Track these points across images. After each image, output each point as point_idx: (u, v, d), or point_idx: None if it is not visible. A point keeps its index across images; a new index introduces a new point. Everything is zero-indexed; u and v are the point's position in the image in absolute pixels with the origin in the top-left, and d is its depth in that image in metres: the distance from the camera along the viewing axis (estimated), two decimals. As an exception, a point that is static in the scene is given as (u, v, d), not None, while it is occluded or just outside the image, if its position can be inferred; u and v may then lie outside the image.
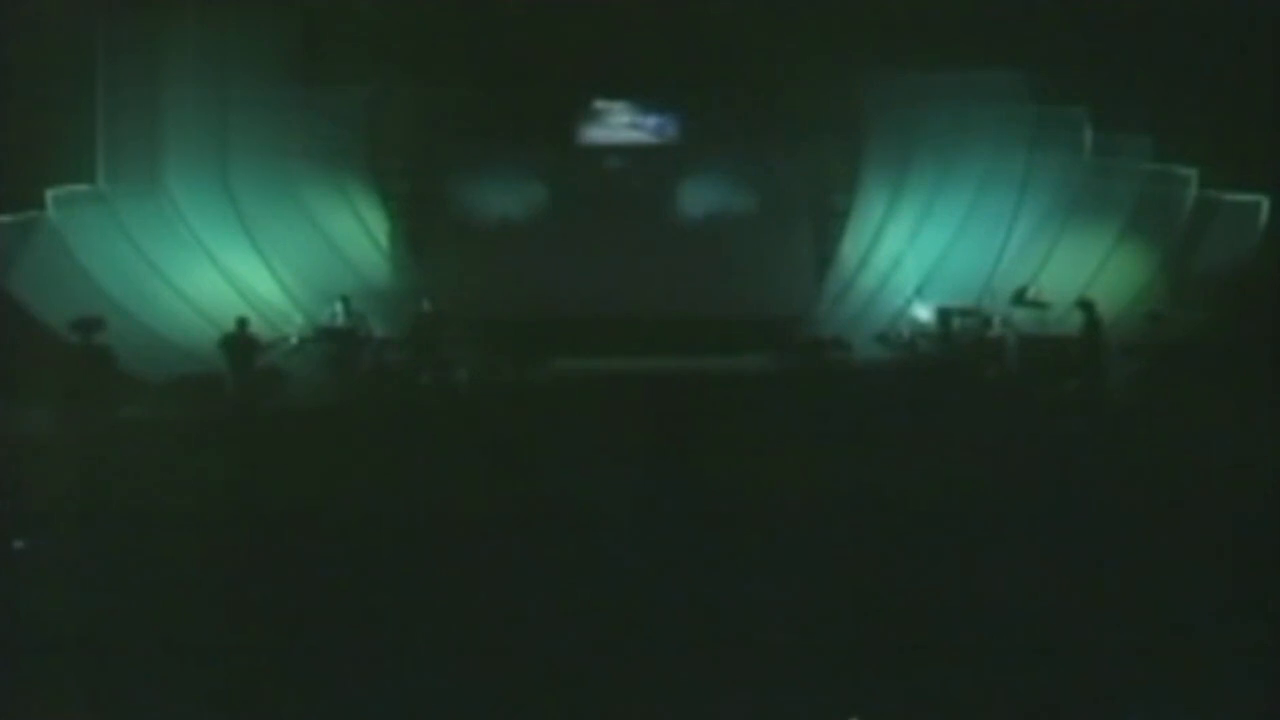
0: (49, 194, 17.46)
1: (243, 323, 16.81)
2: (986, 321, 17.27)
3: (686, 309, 19.90)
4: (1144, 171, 18.86)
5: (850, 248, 20.69)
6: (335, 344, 17.70)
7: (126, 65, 18.18)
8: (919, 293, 19.20)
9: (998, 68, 19.20)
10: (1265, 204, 17.45)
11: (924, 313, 18.21)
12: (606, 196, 20.89)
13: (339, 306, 17.94)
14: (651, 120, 21.11)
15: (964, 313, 17.67)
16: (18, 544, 10.42)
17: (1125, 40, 17.87)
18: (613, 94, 20.93)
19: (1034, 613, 9.24)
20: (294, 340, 17.66)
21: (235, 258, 19.02)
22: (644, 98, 20.95)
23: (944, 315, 17.81)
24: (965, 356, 16.93)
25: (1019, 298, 17.81)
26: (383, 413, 16.45)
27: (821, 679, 8.39)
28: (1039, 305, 17.71)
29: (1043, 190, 19.48)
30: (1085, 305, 17.01)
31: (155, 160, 18.64)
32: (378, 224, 20.95)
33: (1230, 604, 9.24)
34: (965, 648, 8.78)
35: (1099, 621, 9.12)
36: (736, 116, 20.42)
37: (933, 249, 19.99)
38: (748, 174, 20.98)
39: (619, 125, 21.15)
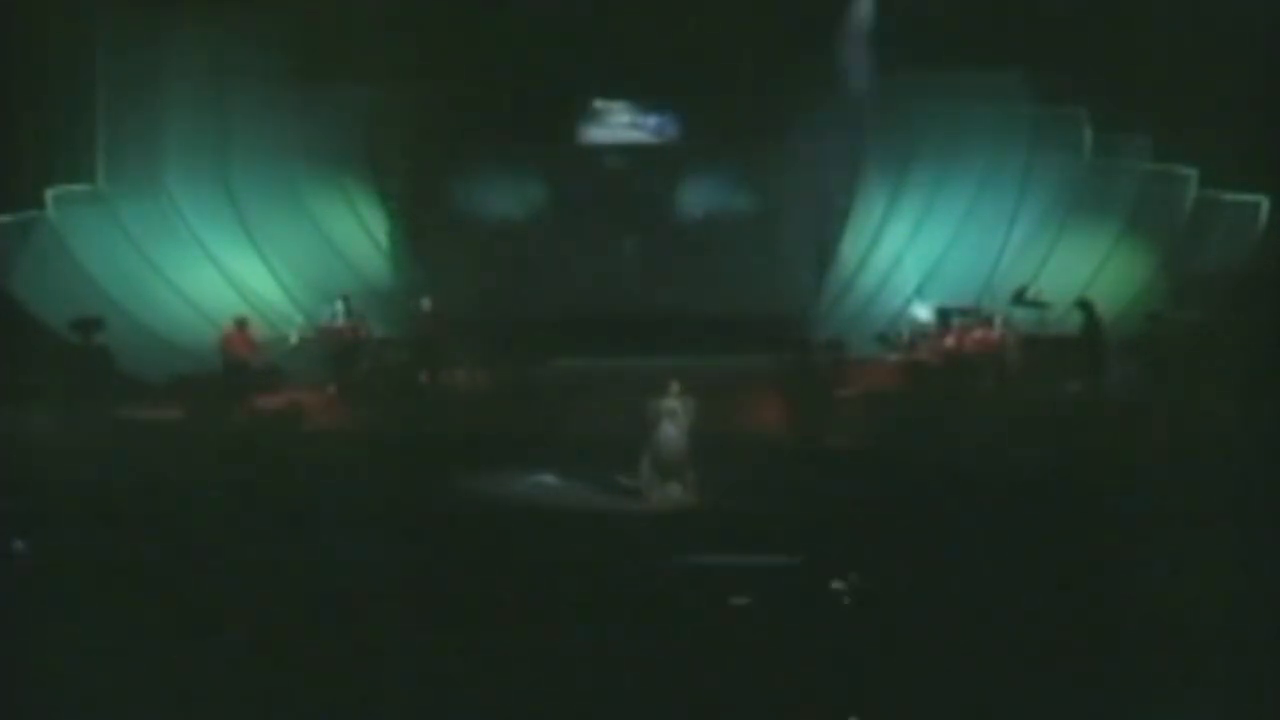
0: (49, 194, 17.45)
1: (241, 322, 16.79)
2: (987, 321, 17.25)
3: (686, 309, 19.87)
4: (1144, 171, 18.84)
5: (850, 248, 20.66)
6: (335, 344, 17.69)
7: (126, 65, 18.17)
8: (919, 293, 19.17)
9: (998, 68, 19.17)
10: (1265, 204, 17.43)
11: (924, 313, 18.18)
12: (606, 196, 20.86)
13: (339, 306, 17.91)
14: (651, 120, 21.07)
15: (964, 312, 17.63)
16: (17, 544, 10.42)
17: (1125, 40, 17.88)
18: (613, 94, 20.90)
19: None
20: (294, 340, 17.66)
21: (235, 258, 19.00)
22: (644, 98, 20.92)
23: (944, 315, 17.78)
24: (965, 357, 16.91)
25: (1019, 298, 17.79)
26: (380, 411, 16.46)
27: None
28: (1039, 305, 17.69)
29: (1043, 190, 19.46)
30: (1085, 305, 17.00)
31: (155, 160, 18.63)
32: (378, 224, 20.92)
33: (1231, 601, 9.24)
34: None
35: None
36: (736, 116, 20.38)
37: (932, 249, 19.96)
38: (748, 174, 20.95)
39: (619, 125, 21.11)
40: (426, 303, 18.51)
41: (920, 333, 17.72)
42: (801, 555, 10.55)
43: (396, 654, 8.77)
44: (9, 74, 16.28)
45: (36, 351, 15.64)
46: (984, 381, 16.59)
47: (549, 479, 13.61)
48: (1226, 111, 16.93)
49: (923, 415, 15.22)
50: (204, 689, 8.34)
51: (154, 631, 9.07)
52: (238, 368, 16.44)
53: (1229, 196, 17.78)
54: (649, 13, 19.43)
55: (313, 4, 19.23)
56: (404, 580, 10.06)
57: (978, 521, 11.51)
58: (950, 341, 17.07)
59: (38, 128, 16.87)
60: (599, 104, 20.95)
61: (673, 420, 12.80)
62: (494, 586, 9.87)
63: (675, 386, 12.92)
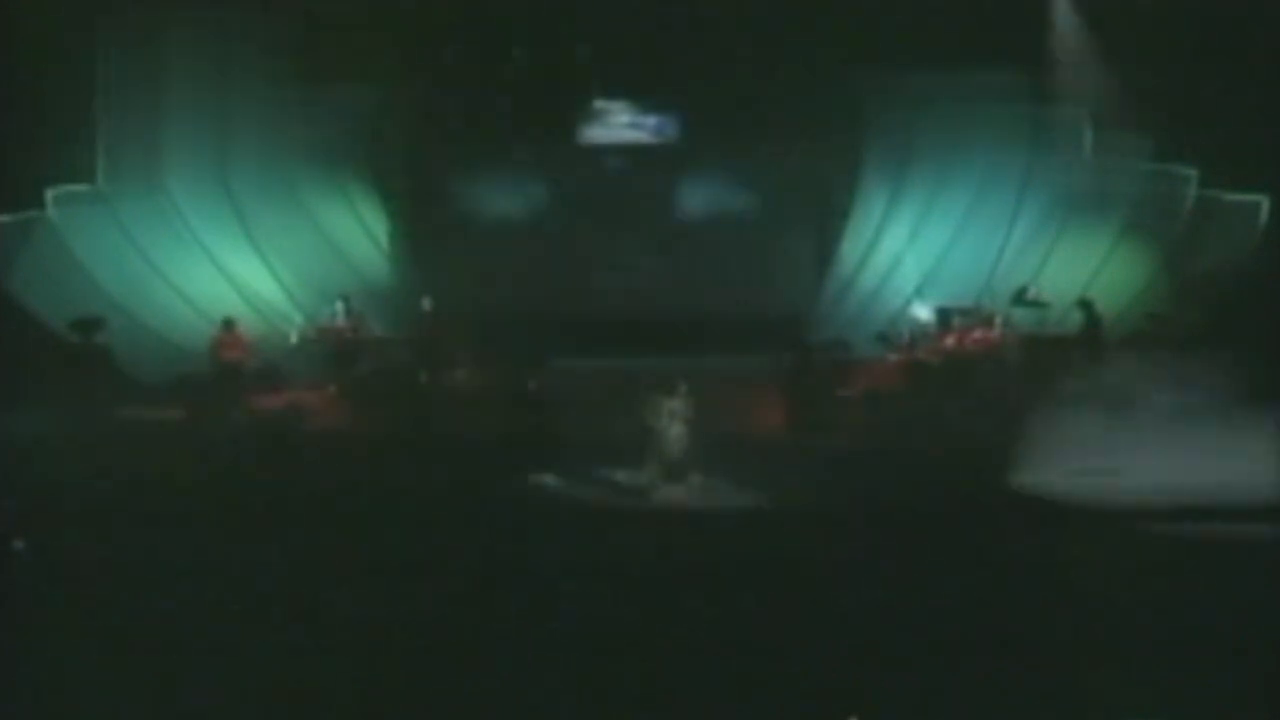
0: (49, 194, 17.44)
1: (229, 324, 16.76)
2: (987, 321, 17.26)
3: (686, 309, 19.85)
4: (1144, 171, 18.84)
5: (850, 248, 20.64)
6: (335, 344, 17.69)
7: (126, 65, 18.16)
8: (919, 293, 19.17)
9: (998, 68, 19.16)
10: (1265, 204, 17.43)
11: (924, 313, 18.19)
12: (606, 196, 20.85)
13: (339, 306, 17.93)
14: (651, 120, 21.03)
15: (964, 313, 17.64)
16: (17, 544, 10.41)
17: (1126, 40, 17.89)
18: (613, 94, 20.88)
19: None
20: (294, 340, 17.67)
21: (235, 258, 19.00)
22: (644, 98, 20.90)
23: (944, 315, 17.80)
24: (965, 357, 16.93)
25: (1019, 298, 17.80)
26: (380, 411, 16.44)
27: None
28: (1039, 305, 17.71)
29: (1043, 190, 19.46)
30: (1085, 305, 17.01)
31: (155, 160, 18.62)
32: (378, 224, 20.91)
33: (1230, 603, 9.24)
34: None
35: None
36: (736, 116, 20.36)
37: (932, 249, 19.95)
38: (748, 174, 20.93)
39: (619, 125, 21.08)
40: (426, 303, 18.51)
41: (920, 333, 17.74)
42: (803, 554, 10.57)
43: (396, 653, 8.77)
44: (9, 73, 16.27)
45: (36, 351, 15.62)
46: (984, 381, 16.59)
47: (550, 479, 13.61)
48: (1227, 111, 16.93)
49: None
50: (203, 690, 8.34)
51: (152, 632, 9.06)
52: (230, 370, 16.43)
53: (1229, 196, 17.78)
54: (650, 13, 19.44)
55: (313, 4, 19.24)
56: (405, 581, 10.06)
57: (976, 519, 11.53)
58: (950, 341, 17.09)
59: (38, 128, 16.84)
60: (599, 104, 20.93)
61: (676, 420, 12.85)
62: (493, 585, 9.87)
63: (683, 387, 12.98)
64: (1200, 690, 8.10)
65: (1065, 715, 8.14)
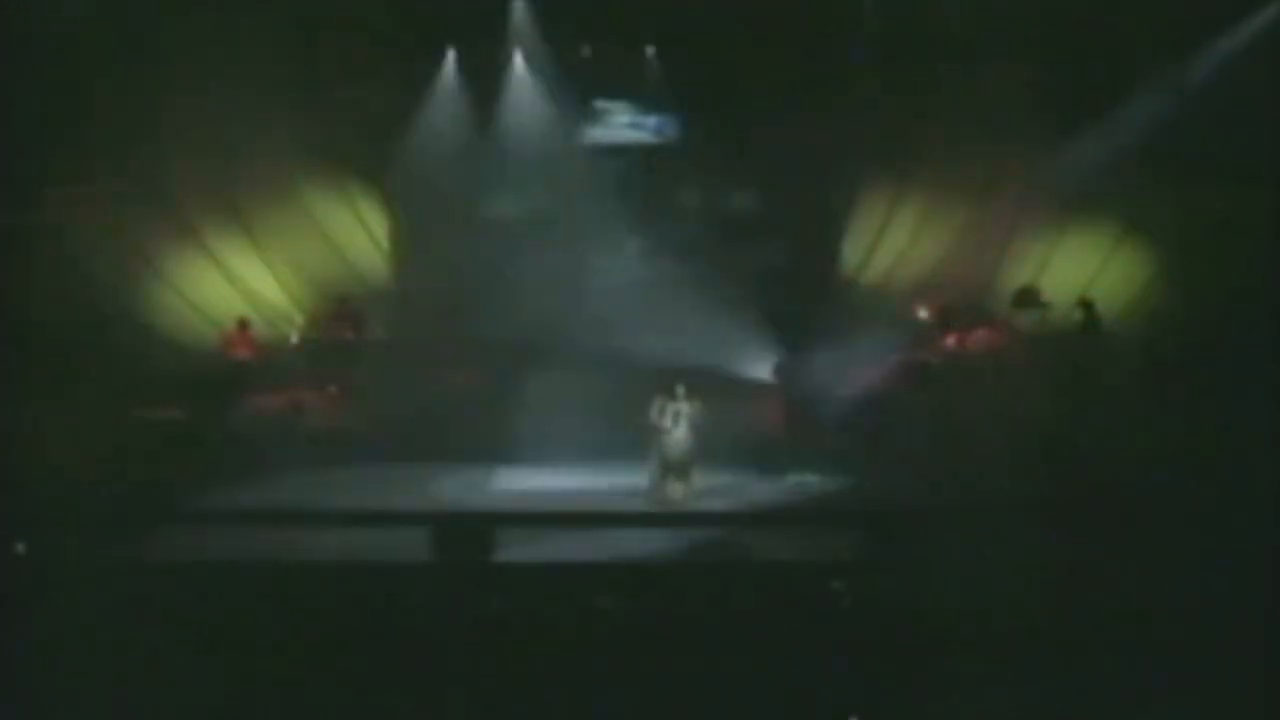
0: (49, 194, 17.43)
1: (244, 324, 16.83)
2: (988, 321, 17.28)
3: (686, 309, 19.83)
4: (1144, 171, 18.82)
5: (850, 248, 20.65)
6: (335, 344, 17.72)
7: (126, 65, 18.16)
8: (920, 293, 19.18)
9: (1000, 66, 19.17)
10: (1266, 204, 17.41)
11: (924, 313, 18.20)
12: (606, 196, 20.83)
13: (339, 307, 17.94)
14: (651, 120, 21.05)
15: (965, 313, 17.64)
16: (19, 547, 10.43)
17: (1125, 38, 17.91)
18: (613, 94, 20.87)
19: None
20: (294, 340, 17.70)
21: (235, 258, 19.01)
22: (644, 98, 20.89)
23: (945, 315, 17.80)
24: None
25: (1019, 298, 17.81)
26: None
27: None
28: (1039, 305, 17.72)
29: (1043, 190, 19.44)
30: (1085, 305, 17.03)
31: (155, 160, 18.62)
32: (378, 224, 20.91)
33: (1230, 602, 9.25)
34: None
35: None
36: (737, 116, 20.35)
37: (934, 249, 19.95)
38: (748, 174, 20.92)
39: (619, 125, 21.08)
40: (426, 303, 18.51)
41: (921, 333, 17.75)
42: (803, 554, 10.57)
43: (393, 652, 8.77)
44: (9, 73, 16.27)
45: (36, 351, 15.64)
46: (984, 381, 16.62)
47: (552, 479, 13.64)
48: (1227, 111, 16.94)
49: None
50: (202, 691, 8.35)
51: (153, 633, 9.07)
52: (238, 369, 16.49)
53: (1229, 196, 17.77)
54: (650, 13, 19.47)
55: (314, 4, 19.25)
56: (404, 580, 10.07)
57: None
58: (951, 341, 17.10)
59: (38, 128, 16.85)
60: (599, 104, 20.92)
61: (677, 421, 12.91)
62: (497, 586, 9.88)
63: (681, 389, 13.05)
64: (1198, 691, 8.12)
65: (1065, 715, 8.15)
